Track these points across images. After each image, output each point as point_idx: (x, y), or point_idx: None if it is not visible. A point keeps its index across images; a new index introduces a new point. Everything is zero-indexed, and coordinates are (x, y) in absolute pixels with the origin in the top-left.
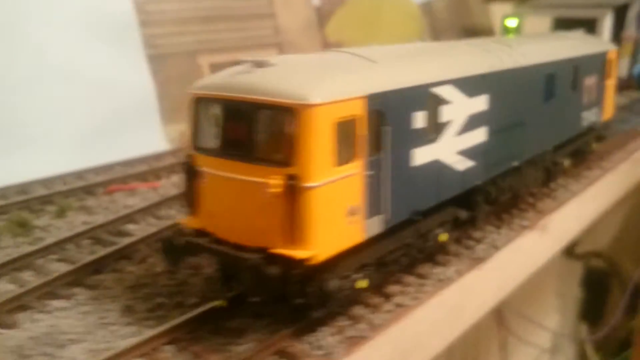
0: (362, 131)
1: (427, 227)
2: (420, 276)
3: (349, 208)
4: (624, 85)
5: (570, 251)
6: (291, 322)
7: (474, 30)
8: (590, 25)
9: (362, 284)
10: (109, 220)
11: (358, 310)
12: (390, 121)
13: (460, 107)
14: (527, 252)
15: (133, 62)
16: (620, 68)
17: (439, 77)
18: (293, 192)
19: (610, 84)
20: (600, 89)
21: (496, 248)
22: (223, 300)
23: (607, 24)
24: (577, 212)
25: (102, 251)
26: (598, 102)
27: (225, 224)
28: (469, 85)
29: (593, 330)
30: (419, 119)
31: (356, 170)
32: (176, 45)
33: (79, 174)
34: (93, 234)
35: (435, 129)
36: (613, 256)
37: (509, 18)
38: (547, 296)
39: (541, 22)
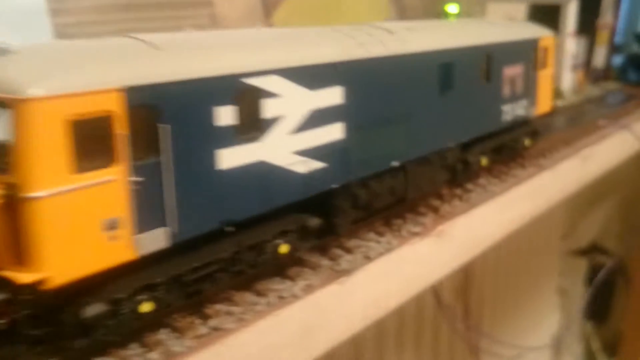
0: (122, 130)
1: (258, 238)
2: (258, 293)
3: (106, 221)
4: (600, 76)
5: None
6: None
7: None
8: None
9: (147, 307)
10: None
11: (161, 335)
12: (171, 118)
13: (295, 101)
14: (413, 263)
15: None
16: (596, 58)
17: (257, 66)
18: (13, 204)
19: (546, 74)
20: (531, 79)
21: (368, 259)
22: None
23: (571, 10)
24: (495, 216)
25: None
26: (527, 94)
27: None
28: (310, 76)
29: (599, 328)
30: (225, 115)
31: (114, 176)
32: (93, 36)
33: None
34: None
35: (255, 127)
36: (619, 252)
37: (449, 4)
38: (547, 294)
39: (515, 10)
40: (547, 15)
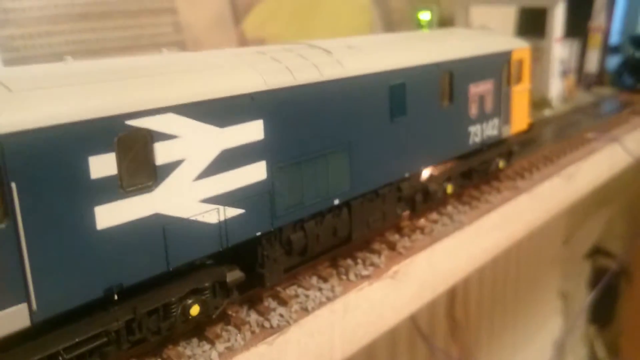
0: None
1: (158, 302)
2: None
3: None
4: (593, 82)
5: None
6: None
7: (442, 20)
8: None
9: None
10: None
11: None
12: (21, 174)
13: (199, 142)
14: (361, 311)
15: None
16: (589, 62)
17: (145, 104)
18: None
19: (521, 89)
20: (503, 96)
21: (305, 311)
22: None
23: (558, 14)
24: (462, 249)
25: None
26: (498, 112)
27: None
28: (218, 111)
29: (602, 332)
30: (103, 166)
31: None
32: (42, 47)
33: None
34: None
35: (147, 175)
36: (622, 254)
37: (422, 11)
38: (549, 297)
39: (504, 14)
40: (537, 19)
